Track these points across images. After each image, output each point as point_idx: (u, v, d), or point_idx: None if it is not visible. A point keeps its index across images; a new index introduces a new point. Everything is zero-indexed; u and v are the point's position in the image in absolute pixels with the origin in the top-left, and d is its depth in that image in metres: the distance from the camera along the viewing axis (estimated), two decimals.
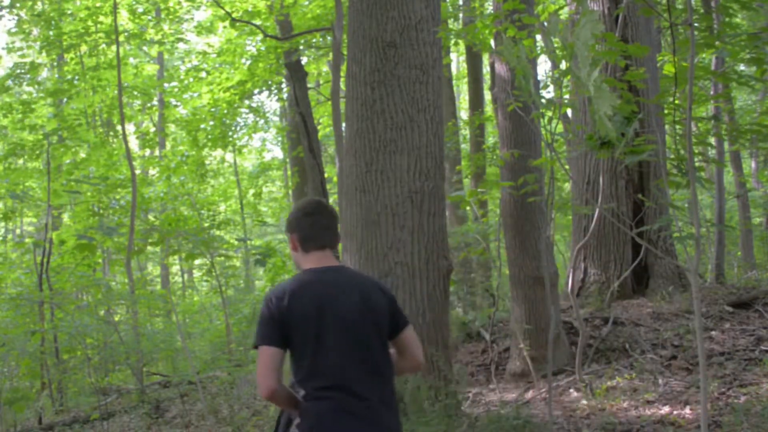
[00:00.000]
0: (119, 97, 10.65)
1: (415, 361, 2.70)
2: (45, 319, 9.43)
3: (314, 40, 15.02)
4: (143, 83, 17.72)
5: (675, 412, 5.18)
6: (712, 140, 10.94)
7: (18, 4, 14.11)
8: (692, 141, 4.14)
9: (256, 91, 15.94)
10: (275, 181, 26.03)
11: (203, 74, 15.40)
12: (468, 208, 10.56)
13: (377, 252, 5.44)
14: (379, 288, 2.67)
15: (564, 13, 12.43)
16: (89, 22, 14.17)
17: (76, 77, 15.04)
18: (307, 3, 13.98)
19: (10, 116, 14.77)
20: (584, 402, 5.67)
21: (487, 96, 18.05)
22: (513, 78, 6.74)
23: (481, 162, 13.35)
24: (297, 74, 13.78)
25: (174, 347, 9.96)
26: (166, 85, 17.23)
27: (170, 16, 15.06)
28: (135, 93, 17.50)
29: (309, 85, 15.71)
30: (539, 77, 13.01)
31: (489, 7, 13.72)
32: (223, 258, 10.09)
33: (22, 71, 14.79)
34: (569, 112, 9.63)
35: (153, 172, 19.29)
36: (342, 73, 10.97)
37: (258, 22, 13.76)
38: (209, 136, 15.97)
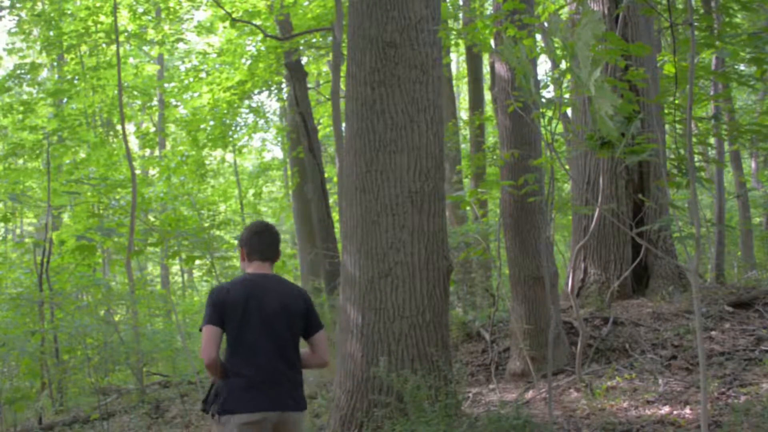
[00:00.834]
0: (119, 97, 10.65)
1: (321, 360, 3.52)
2: (45, 319, 9.43)
3: (314, 40, 15.01)
4: (143, 83, 17.71)
5: (675, 412, 5.18)
6: (712, 140, 10.95)
7: (18, 5, 14.11)
8: (692, 141, 4.14)
9: (256, 91, 15.93)
10: (275, 181, 26.03)
11: (203, 74, 15.40)
12: (468, 208, 10.57)
13: (377, 252, 5.44)
14: (300, 296, 3.46)
15: (564, 13, 12.43)
16: (89, 22, 14.16)
17: (76, 77, 15.03)
18: (307, 3, 13.98)
19: (11, 116, 14.76)
20: (584, 402, 5.67)
21: (487, 96, 18.04)
22: (513, 78, 6.74)
23: (481, 162, 13.35)
24: (297, 74, 13.78)
25: (174, 347, 9.95)
26: (166, 85, 17.23)
27: (170, 16, 15.05)
28: (135, 93, 17.49)
29: (309, 85, 15.71)
30: (539, 77, 13.01)
31: (489, 8, 13.72)
32: (223, 258, 10.08)
33: (23, 71, 14.79)
34: (569, 112, 9.63)
35: (153, 172, 19.30)
36: (342, 73, 10.97)
37: (258, 22, 13.75)
38: (209, 136, 15.97)
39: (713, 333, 6.67)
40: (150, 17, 15.09)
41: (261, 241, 3.47)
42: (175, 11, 14.87)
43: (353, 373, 5.40)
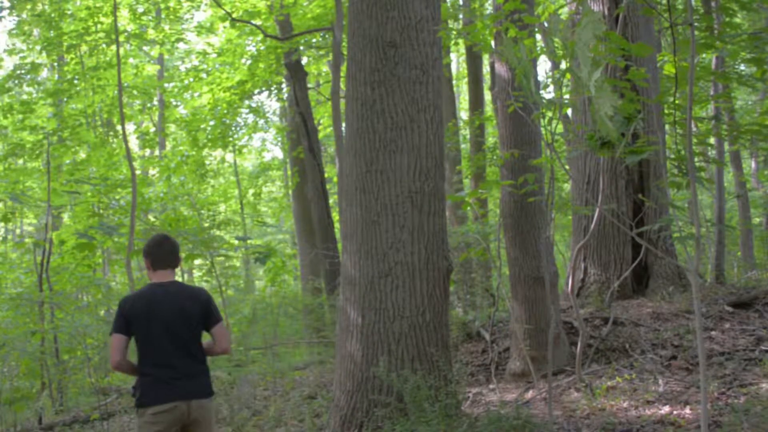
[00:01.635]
0: (119, 97, 10.63)
1: (222, 348, 4.00)
2: (45, 319, 9.42)
3: (314, 40, 15.02)
4: (143, 83, 17.71)
5: (675, 412, 5.18)
6: (712, 140, 10.95)
7: (18, 6, 14.11)
8: (692, 141, 4.14)
9: (256, 91, 15.94)
10: (275, 181, 26.04)
11: (203, 74, 15.40)
12: (468, 208, 10.57)
13: (377, 252, 5.44)
14: (197, 297, 3.94)
15: (564, 13, 12.43)
16: (89, 23, 14.16)
17: (76, 77, 15.03)
18: (307, 3, 13.98)
19: (11, 116, 14.76)
20: (584, 402, 5.67)
21: (487, 96, 18.05)
22: (513, 78, 6.74)
23: (481, 162, 13.35)
24: (297, 74, 13.79)
25: None
26: (166, 85, 17.23)
27: (170, 16, 15.05)
28: (135, 93, 17.49)
29: (309, 85, 15.71)
30: (539, 77, 13.00)
31: (489, 8, 13.72)
32: (223, 258, 10.08)
33: (23, 72, 14.79)
34: (569, 112, 9.63)
35: (153, 172, 19.29)
36: (342, 73, 10.97)
37: (258, 22, 13.76)
38: (209, 136, 15.97)
39: (713, 333, 6.67)
40: (150, 17, 15.09)
41: (162, 250, 3.97)
42: (175, 11, 14.87)
43: (353, 373, 5.40)
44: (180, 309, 3.86)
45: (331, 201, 15.86)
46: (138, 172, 16.29)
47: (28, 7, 14.51)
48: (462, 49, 16.15)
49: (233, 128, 16.69)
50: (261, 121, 18.83)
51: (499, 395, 6.34)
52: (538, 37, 9.99)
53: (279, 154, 27.11)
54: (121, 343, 3.80)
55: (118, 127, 17.07)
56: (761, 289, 7.59)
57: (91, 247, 8.74)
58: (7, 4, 14.10)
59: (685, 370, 6.08)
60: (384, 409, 5.17)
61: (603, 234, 8.17)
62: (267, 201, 24.71)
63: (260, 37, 13.91)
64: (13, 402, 7.44)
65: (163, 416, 3.69)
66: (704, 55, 9.90)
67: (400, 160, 5.51)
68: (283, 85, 16.19)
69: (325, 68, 17.74)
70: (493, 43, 7.44)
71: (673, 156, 4.98)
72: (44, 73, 18.63)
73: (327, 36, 14.36)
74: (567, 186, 13.57)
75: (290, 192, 18.60)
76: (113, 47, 14.44)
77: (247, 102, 16.56)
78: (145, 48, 17.91)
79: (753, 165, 20.03)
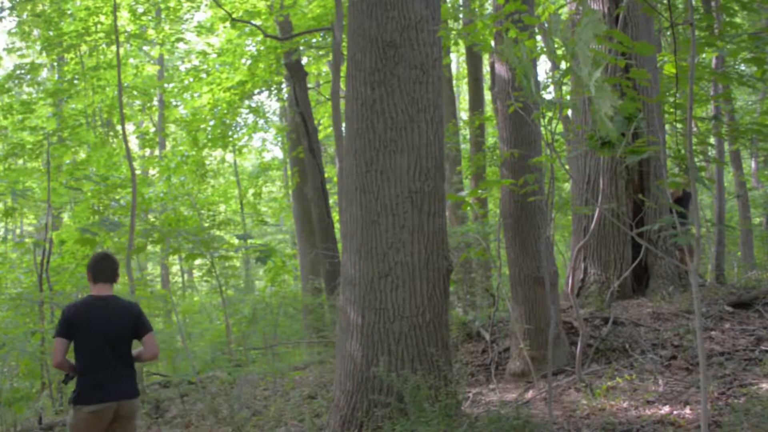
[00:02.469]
0: (119, 97, 10.63)
1: (151, 354, 4.56)
2: (45, 319, 9.42)
3: (314, 40, 15.02)
4: (143, 83, 17.71)
5: (675, 412, 5.18)
6: (712, 140, 10.95)
7: (17, 9, 14.11)
8: (693, 141, 4.14)
9: (256, 91, 15.93)
10: (275, 181, 26.03)
11: (203, 74, 15.39)
12: (468, 208, 10.58)
13: (377, 252, 5.44)
14: (130, 309, 4.53)
15: (564, 13, 12.43)
16: (89, 23, 14.15)
17: (76, 77, 15.02)
18: (307, 3, 13.98)
19: (11, 117, 14.76)
20: (584, 402, 5.67)
21: (487, 96, 18.05)
22: (513, 78, 6.74)
23: (481, 162, 13.35)
24: (297, 74, 13.79)
25: (174, 347, 9.95)
26: (166, 85, 17.22)
27: (170, 17, 15.04)
28: (135, 93, 17.49)
29: (309, 85, 15.71)
30: (539, 77, 13.00)
31: (489, 8, 13.72)
32: (223, 258, 10.08)
33: (23, 72, 14.78)
34: (570, 112, 9.63)
35: (153, 172, 19.28)
36: (342, 73, 10.96)
37: (258, 22, 13.75)
38: (209, 136, 15.97)
39: (713, 333, 6.67)
40: (150, 17, 15.08)
41: (103, 267, 4.56)
42: (175, 11, 14.86)
43: (353, 373, 5.40)
44: (116, 320, 4.46)
45: (331, 201, 15.85)
46: (138, 172, 16.29)
47: (29, 7, 14.50)
48: (462, 49, 16.14)
49: (233, 128, 16.69)
50: (261, 121, 18.83)
51: (499, 395, 6.34)
52: (539, 37, 9.99)
53: (279, 154, 27.12)
54: (63, 346, 4.39)
55: (118, 127, 17.07)
56: (761, 289, 7.59)
57: (93, 243, 8.72)
58: (7, 4, 14.10)
59: (685, 370, 6.08)
60: (384, 409, 5.17)
61: (603, 234, 8.16)
62: (267, 201, 24.70)
63: (260, 37, 13.90)
64: (13, 402, 7.44)
65: (98, 414, 4.34)
66: (704, 55, 9.90)
67: (400, 160, 5.51)
68: (283, 85, 16.18)
69: (325, 68, 17.74)
70: (493, 43, 7.44)
71: (673, 156, 4.98)
72: (44, 73, 18.62)
73: (327, 36, 14.37)
74: (567, 186, 13.57)
75: (290, 192, 18.60)
76: (113, 47, 14.44)
77: (247, 102, 16.56)
78: (145, 48, 17.91)
79: (753, 165, 20.04)
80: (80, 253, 11.90)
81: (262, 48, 14.40)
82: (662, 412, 5.24)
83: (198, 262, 14.97)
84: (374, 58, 5.62)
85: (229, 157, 22.31)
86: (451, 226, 11.40)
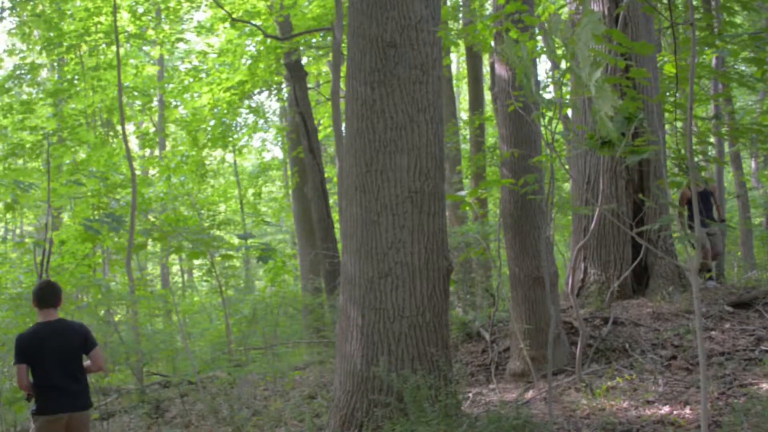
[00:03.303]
0: (119, 97, 10.65)
1: (98, 367, 5.14)
2: None
3: (314, 40, 15.02)
4: (143, 84, 17.70)
5: (675, 412, 5.18)
6: (712, 139, 10.95)
7: (18, 9, 14.10)
8: (693, 140, 4.14)
9: (256, 91, 15.93)
10: (275, 181, 26.04)
11: (203, 74, 15.39)
12: (468, 208, 10.59)
13: (377, 252, 5.44)
14: (76, 330, 5.03)
15: (564, 13, 12.43)
16: (89, 23, 14.15)
17: (76, 77, 15.02)
18: (307, 3, 13.98)
19: (11, 117, 14.76)
20: (584, 402, 5.67)
21: (487, 96, 18.05)
22: (513, 78, 6.74)
23: (481, 162, 13.35)
24: (297, 74, 13.79)
25: (174, 347, 9.94)
26: (166, 85, 17.22)
27: (170, 17, 15.04)
28: (135, 93, 17.48)
29: (309, 85, 15.71)
30: (539, 77, 13.00)
31: (489, 8, 13.72)
32: (223, 257, 10.07)
33: (23, 72, 14.78)
34: (570, 112, 9.63)
35: (153, 172, 19.29)
36: (342, 73, 10.97)
37: (258, 22, 13.75)
38: (209, 136, 15.97)
39: (713, 333, 6.67)
40: (150, 17, 15.08)
41: (44, 294, 5.01)
42: (175, 11, 14.86)
43: (353, 373, 5.40)
44: (64, 342, 4.95)
45: (331, 201, 15.85)
46: (138, 172, 16.29)
47: (29, 7, 14.49)
48: (462, 49, 16.14)
49: (233, 128, 16.68)
50: (261, 121, 18.83)
51: (499, 395, 6.34)
52: (539, 37, 9.99)
53: (279, 154, 27.11)
54: (23, 371, 4.90)
55: (118, 127, 17.07)
56: (761, 289, 7.59)
57: (95, 240, 8.71)
58: (7, 4, 14.10)
59: (685, 370, 6.08)
60: (384, 409, 5.17)
61: (603, 234, 8.16)
62: (267, 201, 24.70)
63: (260, 37, 13.90)
64: (13, 402, 7.43)
65: (53, 423, 4.90)
66: (705, 55, 9.90)
67: (399, 160, 5.51)
68: (283, 85, 16.18)
69: (325, 68, 17.74)
70: (493, 43, 7.45)
71: (673, 155, 4.98)
72: (44, 74, 18.63)
73: (327, 36, 14.36)
74: (567, 186, 13.57)
75: (290, 192, 18.60)
76: (113, 47, 14.43)
77: (247, 102, 16.56)
78: (145, 48, 17.89)
79: (753, 165, 20.04)
80: (80, 253, 11.91)
81: (262, 48, 14.39)
82: (662, 412, 5.24)
83: (198, 262, 14.96)
84: (374, 58, 5.62)
85: (229, 157, 22.32)
86: (451, 226, 11.40)
